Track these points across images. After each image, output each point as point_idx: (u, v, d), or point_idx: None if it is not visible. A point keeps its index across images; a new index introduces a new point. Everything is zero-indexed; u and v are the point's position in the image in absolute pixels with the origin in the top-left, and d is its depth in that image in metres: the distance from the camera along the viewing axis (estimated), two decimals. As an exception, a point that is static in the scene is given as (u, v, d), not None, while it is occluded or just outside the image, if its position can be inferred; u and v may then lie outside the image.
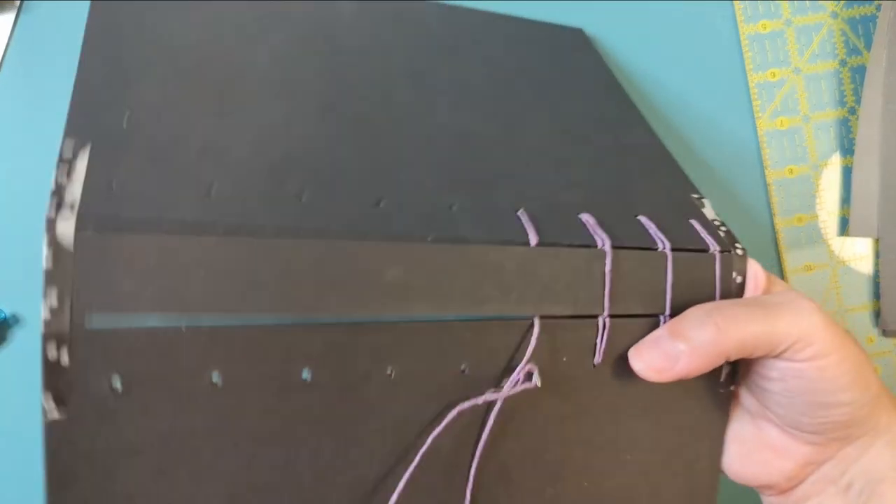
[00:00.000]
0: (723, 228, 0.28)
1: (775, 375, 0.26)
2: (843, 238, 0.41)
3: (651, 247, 0.25)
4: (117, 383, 0.19)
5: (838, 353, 0.25)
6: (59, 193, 0.18)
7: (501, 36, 0.36)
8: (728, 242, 0.27)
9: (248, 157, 0.22)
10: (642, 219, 0.26)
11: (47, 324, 0.18)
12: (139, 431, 0.19)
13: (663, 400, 0.27)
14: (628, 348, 0.25)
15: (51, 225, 0.18)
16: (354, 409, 0.22)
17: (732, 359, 0.25)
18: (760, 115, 0.41)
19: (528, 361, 0.23)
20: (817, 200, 0.41)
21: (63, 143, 0.20)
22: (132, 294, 0.18)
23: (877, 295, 0.41)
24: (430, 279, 0.22)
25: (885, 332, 0.41)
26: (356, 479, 0.22)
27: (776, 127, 0.41)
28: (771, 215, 0.41)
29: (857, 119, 0.41)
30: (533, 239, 0.23)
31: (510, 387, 0.23)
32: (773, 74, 0.41)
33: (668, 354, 0.25)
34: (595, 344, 0.25)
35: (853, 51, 0.41)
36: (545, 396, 0.24)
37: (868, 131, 0.40)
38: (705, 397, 0.27)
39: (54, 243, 0.18)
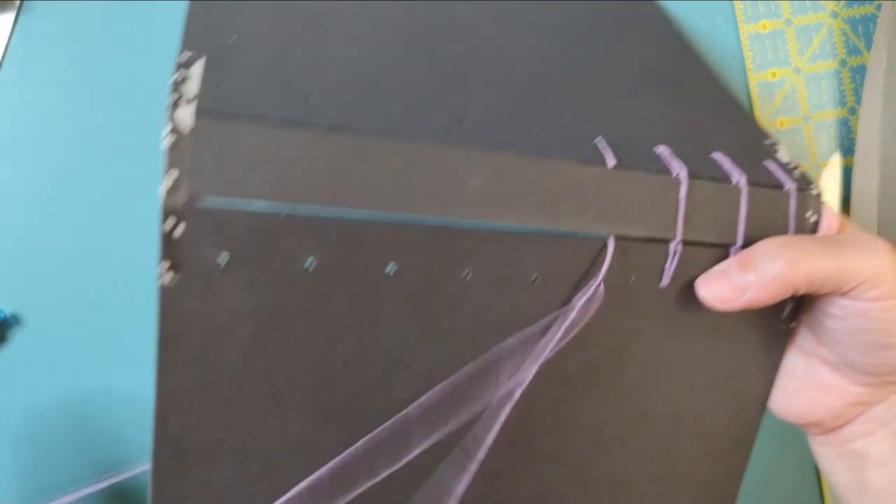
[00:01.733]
0: (798, 170, 0.28)
1: (839, 313, 0.26)
2: (843, 238, 0.41)
3: (726, 179, 0.26)
4: (223, 258, 0.21)
5: None
6: (177, 89, 0.20)
7: (566, 9, 0.37)
8: (803, 182, 0.27)
9: (344, 76, 0.24)
10: (716, 155, 0.27)
11: (165, 200, 0.20)
12: (239, 302, 0.22)
13: (723, 328, 0.28)
14: (694, 275, 0.26)
15: (172, 110, 0.20)
16: (431, 305, 0.24)
17: (800, 293, 0.25)
18: (761, 114, 0.41)
19: (602, 280, 0.25)
20: (817, 200, 0.41)
21: (181, 52, 0.22)
22: (240, 180, 0.21)
23: (877, 295, 0.41)
24: (510, 190, 0.23)
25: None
26: (426, 370, 0.24)
27: (776, 127, 0.41)
28: (771, 215, 0.41)
29: (857, 119, 0.41)
30: (611, 161, 0.24)
31: (582, 302, 0.25)
32: (774, 74, 0.41)
33: (736, 285, 0.25)
34: (663, 268, 0.26)
35: (853, 51, 0.41)
36: (609, 312, 0.25)
37: (868, 131, 0.40)
38: (764, 331, 0.28)
39: (174, 126, 0.20)
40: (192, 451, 0.23)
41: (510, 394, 0.25)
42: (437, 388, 0.24)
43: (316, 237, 0.22)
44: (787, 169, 0.28)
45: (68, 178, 0.39)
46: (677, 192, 0.25)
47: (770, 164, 0.28)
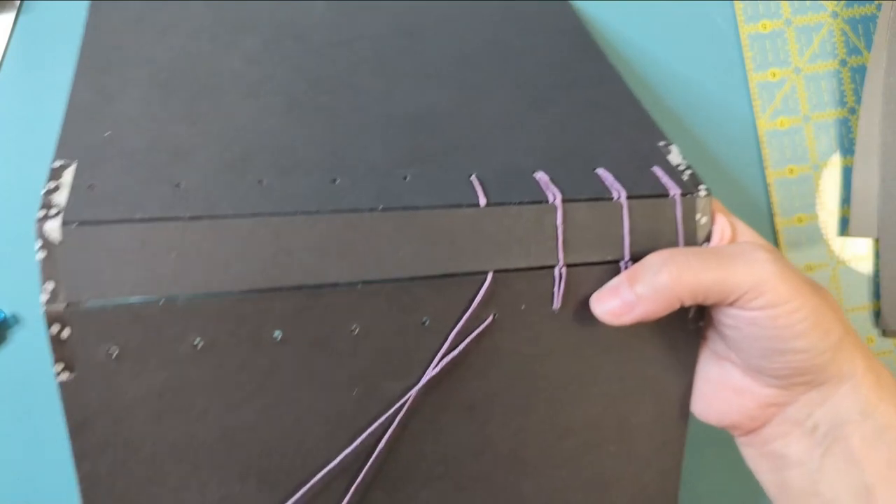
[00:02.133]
0: (687, 172, 0.28)
1: (731, 322, 0.27)
2: (843, 238, 0.41)
3: (605, 196, 0.27)
4: (113, 350, 0.22)
5: (792, 302, 0.25)
6: (47, 201, 0.22)
7: (469, 7, 0.37)
8: (691, 185, 0.28)
9: (215, 155, 0.25)
10: (600, 171, 0.28)
11: (46, 308, 0.21)
12: (136, 387, 0.23)
13: (629, 337, 0.28)
14: (588, 293, 0.27)
15: (40, 225, 0.21)
16: (323, 363, 0.25)
17: (687, 304, 0.26)
18: (761, 115, 0.41)
19: (478, 307, 0.26)
20: (818, 200, 0.41)
21: (53, 160, 0.24)
22: (113, 279, 0.22)
23: (877, 295, 0.41)
24: (383, 245, 0.24)
25: (886, 333, 0.41)
26: (331, 422, 0.25)
27: (777, 127, 0.41)
28: (771, 215, 0.41)
29: (857, 119, 0.41)
30: (482, 200, 0.25)
31: (454, 333, 0.26)
32: (774, 74, 0.41)
33: (626, 301, 0.26)
34: (553, 292, 0.27)
35: (853, 51, 0.41)
36: (508, 341, 0.27)
37: (868, 131, 0.40)
38: (674, 332, 0.29)
39: (44, 240, 0.21)
40: None
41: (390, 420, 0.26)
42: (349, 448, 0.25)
43: (198, 318, 0.23)
44: (677, 172, 0.28)
45: None
46: (554, 218, 0.26)
47: (658, 170, 0.28)
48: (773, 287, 0.25)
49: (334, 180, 0.25)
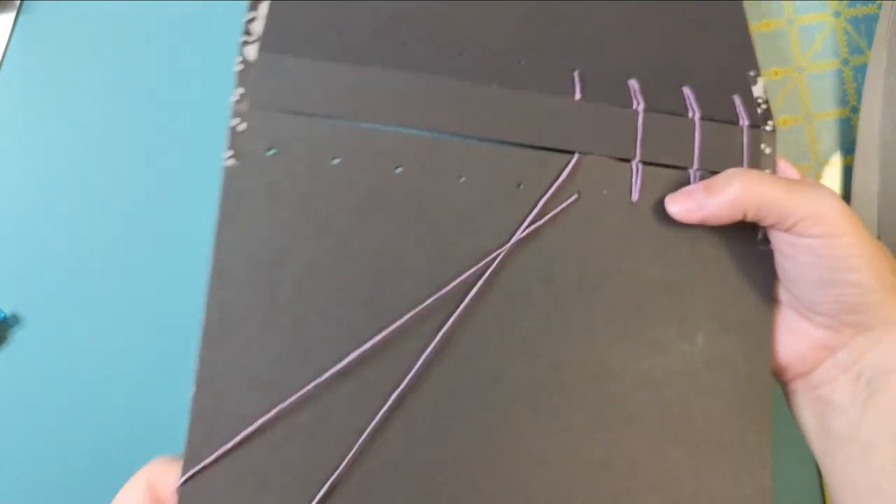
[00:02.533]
0: (763, 106, 0.32)
1: (789, 251, 0.29)
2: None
3: (681, 113, 0.31)
4: (271, 152, 0.28)
5: (849, 236, 0.27)
6: (247, 28, 0.29)
7: None
8: (761, 119, 0.32)
9: (372, 16, 0.31)
10: (685, 89, 0.32)
11: (234, 105, 0.28)
12: (282, 185, 0.28)
13: (705, 246, 0.31)
14: (663, 195, 0.30)
15: (242, 46, 0.29)
16: (432, 203, 0.29)
17: (750, 217, 0.28)
18: (763, 114, 0.41)
19: (565, 181, 0.30)
20: (819, 200, 0.41)
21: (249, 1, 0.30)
22: (287, 97, 0.29)
23: (877, 294, 0.41)
24: (494, 113, 0.30)
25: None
26: (431, 260, 0.29)
27: (779, 125, 0.41)
28: (773, 215, 0.41)
29: (858, 119, 0.41)
30: (577, 94, 0.31)
31: (544, 200, 0.30)
32: (776, 73, 0.41)
33: (697, 201, 0.29)
34: (631, 183, 0.30)
35: (856, 50, 0.41)
36: (590, 224, 0.30)
37: (868, 131, 0.41)
38: (747, 251, 0.31)
39: (243, 58, 0.28)
40: (236, 317, 0.28)
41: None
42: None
43: (340, 142, 0.29)
44: (754, 103, 0.32)
45: (68, 178, 0.38)
46: (636, 122, 0.31)
47: (737, 99, 0.32)
48: (834, 219, 0.27)
49: (462, 53, 0.31)
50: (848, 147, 0.41)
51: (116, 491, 0.28)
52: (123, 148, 0.39)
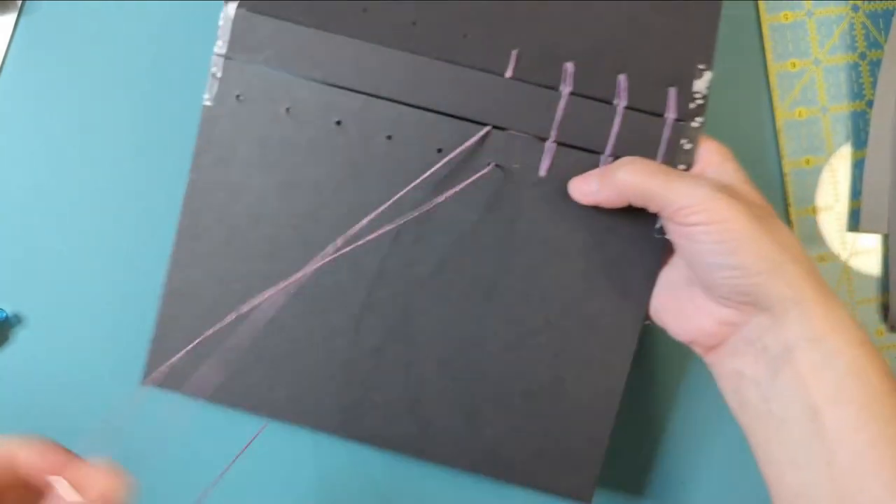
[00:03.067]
0: (699, 102, 0.34)
1: (678, 238, 0.31)
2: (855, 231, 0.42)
3: (608, 100, 0.33)
4: (240, 96, 0.34)
5: (727, 222, 0.29)
6: None
7: None
8: (691, 114, 0.33)
9: None
10: (620, 77, 0.34)
11: (216, 54, 0.34)
12: (244, 125, 0.34)
13: (600, 225, 0.34)
14: (569, 173, 0.33)
15: (226, 4, 0.33)
16: (362, 154, 0.34)
17: (636, 204, 0.31)
18: (780, 104, 0.41)
19: (480, 151, 0.34)
20: (832, 192, 0.42)
21: None
22: (256, 49, 0.34)
23: (887, 288, 0.42)
24: (429, 83, 0.34)
25: (894, 328, 0.42)
26: (353, 198, 0.34)
27: (795, 117, 0.41)
28: (786, 205, 0.41)
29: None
30: (509, 73, 0.34)
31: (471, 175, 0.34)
32: (794, 65, 0.41)
33: (592, 186, 0.32)
34: (541, 160, 0.34)
35: (873, 44, 0.42)
36: (501, 195, 0.34)
37: (881, 125, 0.41)
38: (640, 238, 0.34)
39: (225, 14, 0.33)
40: (205, 236, 0.34)
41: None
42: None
43: (293, 93, 0.34)
44: (690, 97, 0.34)
45: (69, 178, 0.39)
46: (557, 104, 0.33)
47: (672, 91, 0.34)
48: (710, 207, 0.29)
49: (414, 23, 0.34)
50: (862, 141, 0.42)
51: None
52: (124, 148, 0.39)
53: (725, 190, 0.30)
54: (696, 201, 0.29)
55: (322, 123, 0.34)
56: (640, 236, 0.34)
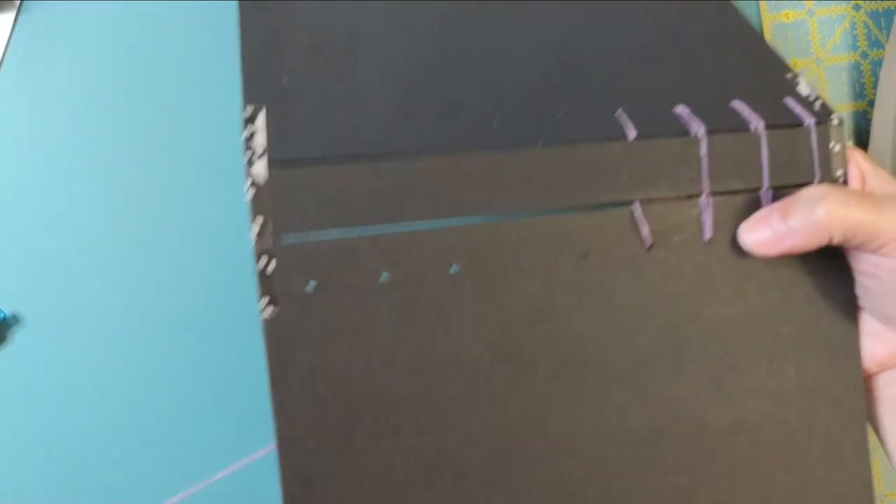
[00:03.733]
0: (818, 102, 0.30)
1: (871, 271, 0.27)
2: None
3: (744, 128, 0.28)
4: (311, 286, 0.24)
5: None
6: (249, 145, 0.24)
7: None
8: (824, 115, 0.29)
9: (382, 96, 0.28)
10: (735, 103, 0.29)
11: (256, 243, 0.24)
12: (332, 321, 0.25)
13: (783, 270, 0.29)
14: (735, 223, 0.28)
15: (248, 166, 0.24)
16: (497, 295, 0.26)
17: (836, 242, 0.26)
18: (781, 104, 0.41)
19: (632, 237, 0.27)
20: (834, 192, 0.41)
21: (244, 106, 0.26)
22: (314, 215, 0.24)
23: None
24: (545, 178, 0.26)
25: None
26: (511, 359, 0.26)
27: (796, 117, 0.41)
28: (787, 205, 0.41)
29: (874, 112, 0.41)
30: (631, 133, 0.27)
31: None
32: (795, 64, 0.41)
33: (776, 231, 0.27)
34: (702, 221, 0.28)
35: (875, 44, 0.42)
36: (665, 276, 0.28)
37: (882, 124, 0.41)
38: (825, 269, 0.29)
39: (253, 181, 0.24)
40: (317, 477, 0.25)
41: None
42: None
43: (385, 253, 0.25)
44: (808, 102, 0.29)
45: (68, 178, 0.38)
46: (698, 149, 0.27)
47: (790, 101, 0.29)
48: None
49: (492, 119, 0.27)
50: (864, 140, 0.42)
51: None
52: (124, 147, 0.39)
53: None
54: None
55: (434, 277, 0.26)
56: (836, 278, 0.29)
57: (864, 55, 0.42)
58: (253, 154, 0.24)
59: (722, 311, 0.28)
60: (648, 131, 0.27)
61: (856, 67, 0.42)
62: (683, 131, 0.28)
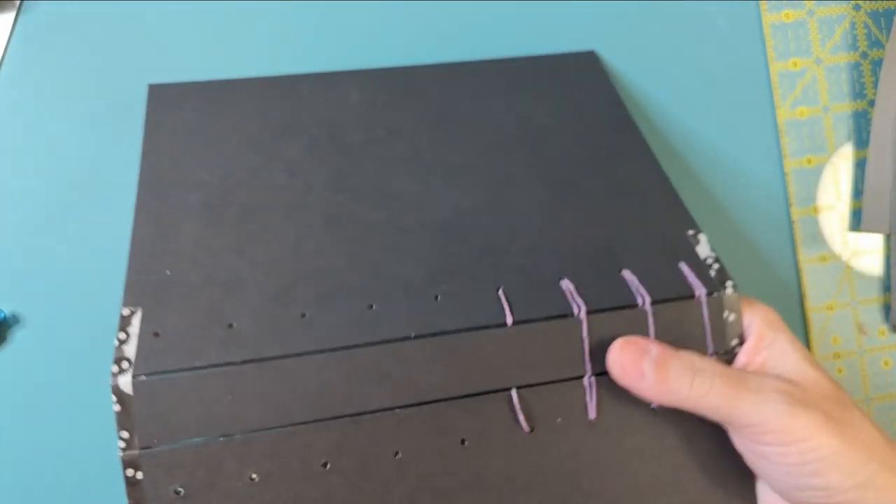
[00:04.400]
0: (715, 266, 0.29)
1: (748, 453, 0.27)
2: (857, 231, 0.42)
3: (630, 304, 0.27)
4: (180, 490, 0.24)
5: (805, 443, 0.25)
6: (119, 352, 0.25)
7: (503, 83, 0.38)
8: (718, 282, 0.28)
9: (262, 287, 0.28)
10: (626, 273, 0.28)
11: (123, 453, 0.24)
12: None
13: (673, 439, 0.28)
14: (621, 400, 0.27)
15: (114, 379, 0.25)
16: (371, 489, 0.26)
17: (701, 415, 0.26)
18: (781, 103, 0.41)
19: (512, 424, 0.26)
20: (834, 191, 0.41)
21: (122, 305, 0.27)
22: (179, 424, 0.24)
23: (888, 288, 0.42)
24: (416, 370, 0.26)
25: (895, 328, 0.42)
26: None
27: (796, 116, 0.41)
28: (788, 205, 0.41)
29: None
30: (508, 319, 0.26)
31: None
32: (795, 64, 0.41)
33: (642, 374, 0.26)
34: (585, 402, 0.27)
35: (875, 43, 0.42)
36: (547, 457, 0.27)
37: (882, 126, 0.41)
38: (716, 441, 0.28)
39: (118, 394, 0.25)
40: None
41: None
42: None
43: (252, 453, 0.25)
44: (704, 266, 0.29)
45: (68, 178, 0.38)
46: (580, 330, 0.27)
47: (685, 267, 0.28)
48: (782, 426, 0.25)
49: (371, 306, 0.27)
50: (864, 140, 0.42)
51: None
52: (124, 147, 0.38)
53: (797, 394, 0.26)
54: (768, 420, 0.25)
55: (305, 475, 0.25)
56: (730, 448, 0.28)
57: (865, 55, 0.42)
58: (121, 365, 0.25)
59: (609, 486, 0.27)
60: (527, 314, 0.26)
61: (856, 67, 0.42)
62: (564, 313, 0.27)
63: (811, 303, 0.40)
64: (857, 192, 0.42)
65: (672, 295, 0.27)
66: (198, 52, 0.40)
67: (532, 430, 0.27)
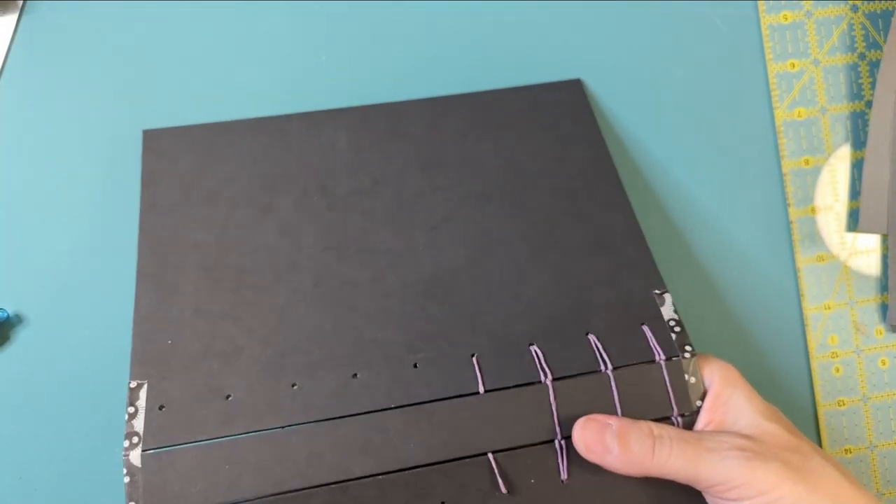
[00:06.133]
0: (676, 329, 0.30)
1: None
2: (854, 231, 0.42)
3: (594, 370, 0.29)
4: None
5: (768, 494, 0.26)
6: (129, 427, 0.28)
7: (490, 119, 0.39)
8: (678, 346, 0.30)
9: (256, 356, 0.30)
10: (591, 337, 0.30)
11: None
12: None
13: (644, 499, 0.29)
14: (591, 462, 0.28)
15: (126, 454, 0.27)
16: None
17: (671, 479, 0.27)
18: (779, 104, 0.41)
19: (489, 486, 0.28)
20: (831, 192, 0.42)
21: (130, 379, 0.30)
22: (182, 493, 0.27)
23: (886, 288, 0.42)
24: (397, 437, 0.28)
25: (893, 328, 0.42)
26: None
27: (794, 117, 0.41)
28: (786, 205, 0.41)
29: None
30: (481, 388, 0.29)
31: None
32: (793, 65, 0.41)
33: (606, 445, 0.27)
34: (558, 464, 0.29)
35: (873, 45, 0.42)
36: None
37: (880, 127, 0.41)
38: (698, 499, 0.29)
39: (128, 468, 0.27)
40: None
41: None
42: None
43: None
44: (666, 329, 0.30)
45: (69, 178, 0.38)
46: (548, 396, 0.29)
47: (647, 330, 0.30)
48: (743, 481, 0.26)
49: (355, 375, 0.29)
50: (861, 141, 0.42)
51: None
52: (124, 147, 0.39)
53: (755, 448, 0.27)
54: (730, 476, 0.26)
55: None
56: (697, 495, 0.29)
57: (862, 56, 0.42)
58: (131, 440, 0.28)
59: None
60: (498, 382, 0.29)
61: (853, 68, 0.42)
62: (531, 381, 0.29)
63: (809, 302, 0.41)
64: (855, 193, 0.42)
65: (633, 360, 0.30)
66: (198, 53, 0.40)
67: (508, 491, 0.28)
